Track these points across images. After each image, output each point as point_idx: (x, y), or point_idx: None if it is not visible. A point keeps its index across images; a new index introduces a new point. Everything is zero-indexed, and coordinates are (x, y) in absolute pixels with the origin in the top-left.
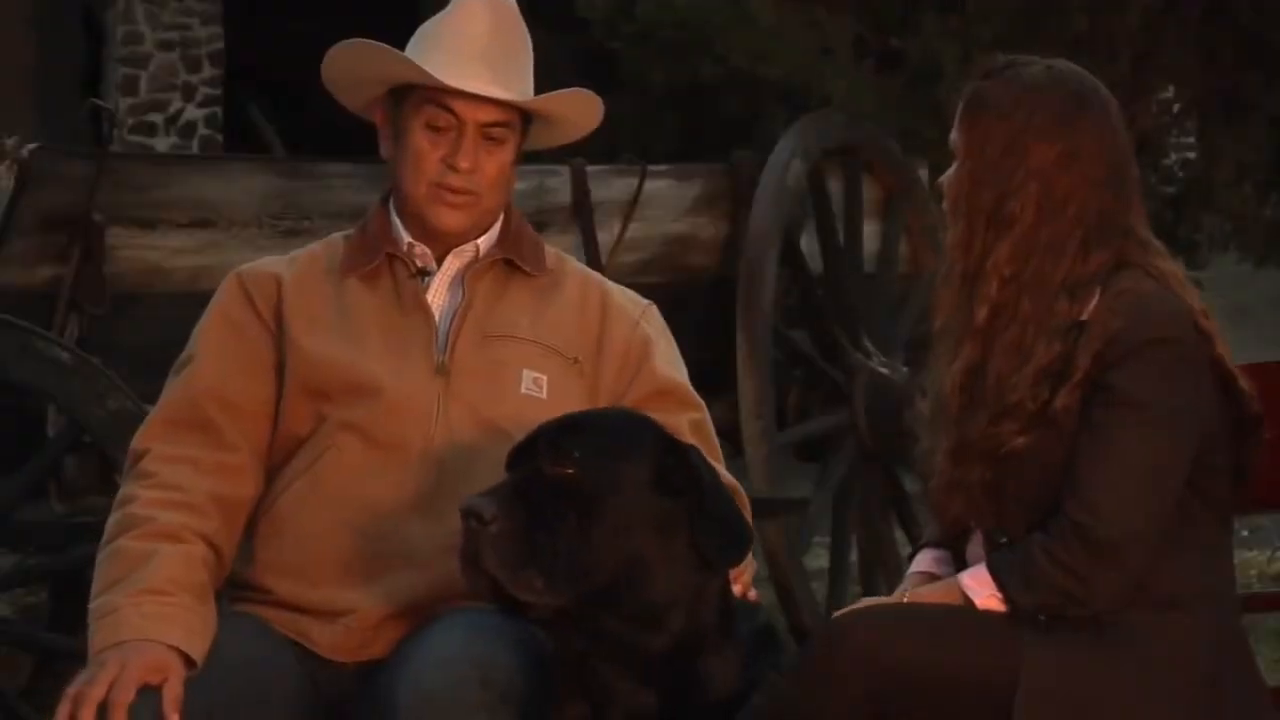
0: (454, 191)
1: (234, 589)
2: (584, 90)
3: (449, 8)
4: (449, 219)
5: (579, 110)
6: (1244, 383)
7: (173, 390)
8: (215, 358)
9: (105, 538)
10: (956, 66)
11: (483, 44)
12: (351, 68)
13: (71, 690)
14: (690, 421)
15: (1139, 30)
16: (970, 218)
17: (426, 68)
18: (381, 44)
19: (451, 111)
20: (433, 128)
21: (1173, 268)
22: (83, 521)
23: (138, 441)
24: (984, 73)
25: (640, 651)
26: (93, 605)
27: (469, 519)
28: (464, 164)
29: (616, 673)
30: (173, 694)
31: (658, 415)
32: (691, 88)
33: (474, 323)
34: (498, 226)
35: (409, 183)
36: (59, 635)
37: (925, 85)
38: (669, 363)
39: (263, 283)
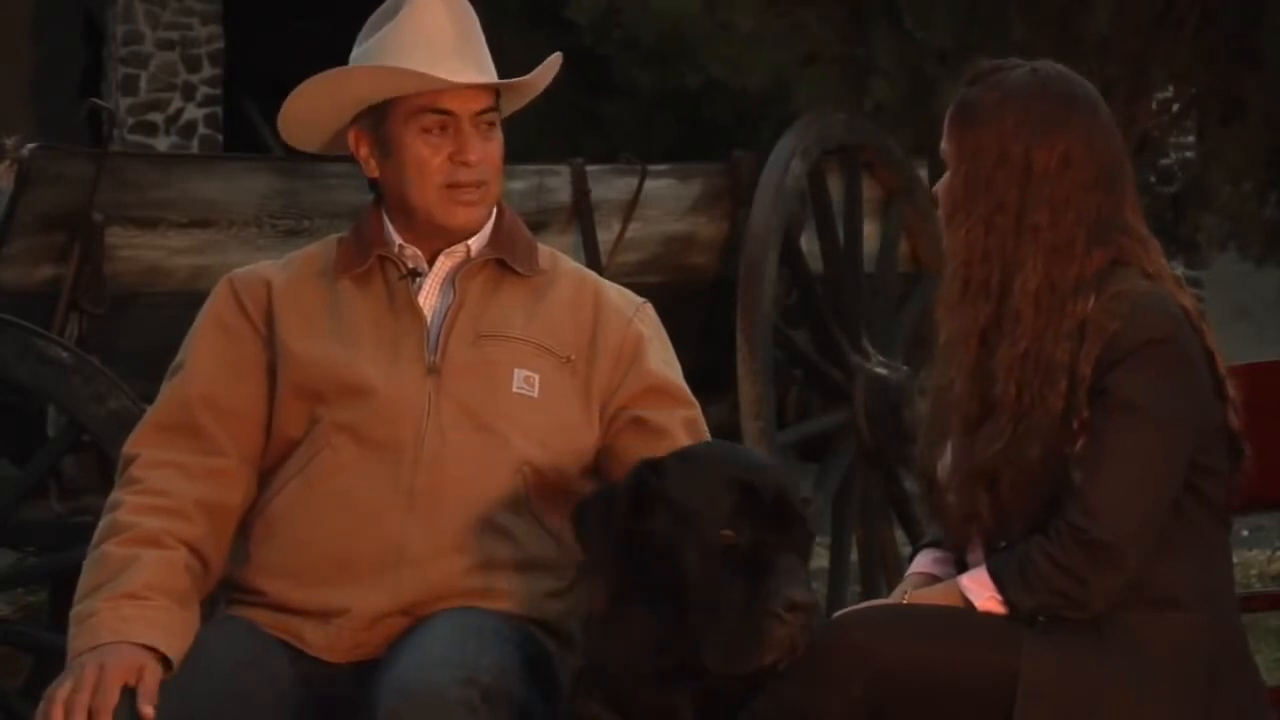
0: (467, 187)
1: (229, 591)
2: (554, 56)
3: (402, 12)
4: (466, 216)
5: (545, 74)
6: (1231, 390)
7: (164, 395)
8: (206, 362)
9: (92, 543)
10: (906, 73)
11: (451, 38)
12: (333, 96)
13: (53, 691)
14: (683, 419)
15: (1134, 34)
16: (970, 225)
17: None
18: (359, 65)
19: (444, 111)
20: (429, 131)
21: (1168, 268)
22: (83, 521)
23: (128, 446)
24: (970, 79)
25: (731, 698)
26: (73, 611)
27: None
28: (473, 157)
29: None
30: (148, 690)
31: (650, 413)
32: (679, 93)
33: (465, 322)
34: (489, 226)
35: (416, 193)
36: (59, 635)
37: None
38: (663, 361)
39: (253, 287)
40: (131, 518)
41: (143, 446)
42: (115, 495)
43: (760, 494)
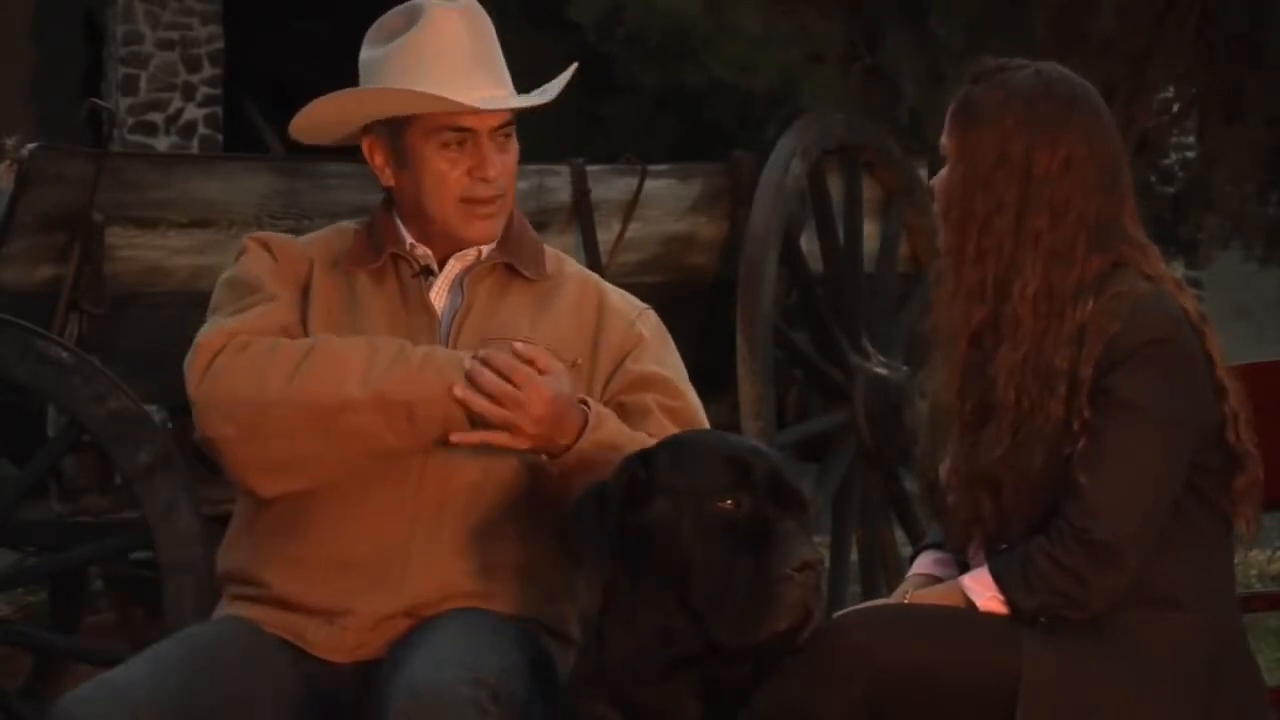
0: (485, 201)
1: (232, 585)
2: (570, 68)
3: (419, 24)
4: (484, 229)
5: (560, 87)
6: (1233, 400)
7: (251, 313)
8: (285, 305)
9: (278, 377)
10: (924, 78)
11: (469, 52)
12: (351, 110)
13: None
14: (657, 402)
15: (1135, 34)
16: (966, 225)
17: (430, 91)
18: (375, 87)
19: (465, 128)
20: (448, 146)
21: (1168, 271)
22: (83, 521)
23: (210, 338)
24: (973, 77)
25: (733, 696)
26: (371, 388)
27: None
28: (492, 172)
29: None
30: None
31: (629, 397)
32: (682, 92)
33: (474, 326)
34: None
35: (434, 206)
36: (59, 635)
37: (898, 97)
38: (655, 360)
39: (294, 259)
40: (289, 341)
41: (229, 336)
42: (231, 355)
43: (755, 470)
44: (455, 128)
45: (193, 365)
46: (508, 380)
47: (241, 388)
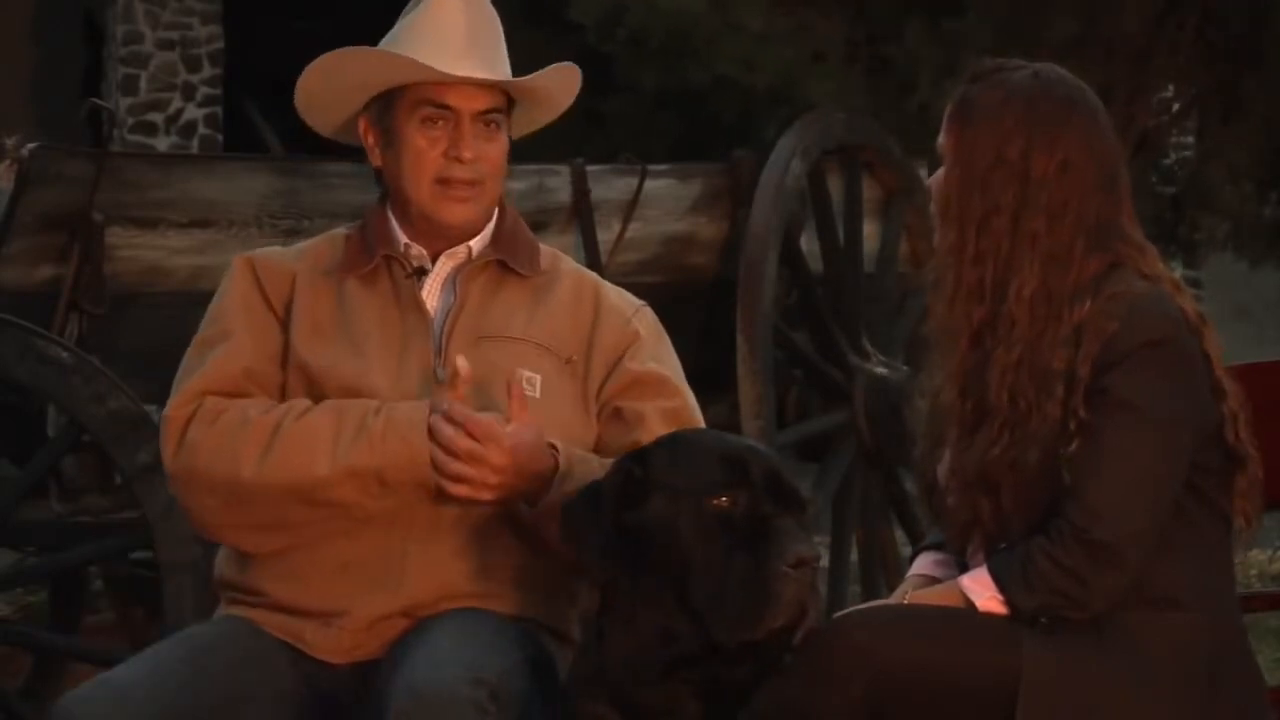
0: (459, 184)
1: (228, 591)
2: (566, 64)
3: (421, 6)
4: (458, 213)
5: (562, 85)
6: (1232, 402)
7: (211, 362)
8: (250, 340)
9: (252, 454)
10: (937, 72)
11: (463, 35)
12: (338, 78)
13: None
14: (658, 409)
15: (1134, 34)
16: (963, 225)
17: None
18: (367, 48)
19: (446, 106)
20: (429, 124)
21: (1167, 271)
22: (83, 521)
23: (178, 408)
24: (971, 77)
25: (734, 696)
26: (341, 461)
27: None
28: (467, 154)
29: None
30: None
31: (627, 403)
32: (684, 92)
33: (466, 324)
34: (490, 226)
35: (411, 184)
36: (59, 635)
37: (910, 91)
38: (651, 357)
39: (278, 278)
40: (257, 413)
41: (197, 400)
42: (201, 429)
43: (752, 468)
44: (436, 103)
45: (165, 439)
46: (467, 433)
47: (216, 467)
